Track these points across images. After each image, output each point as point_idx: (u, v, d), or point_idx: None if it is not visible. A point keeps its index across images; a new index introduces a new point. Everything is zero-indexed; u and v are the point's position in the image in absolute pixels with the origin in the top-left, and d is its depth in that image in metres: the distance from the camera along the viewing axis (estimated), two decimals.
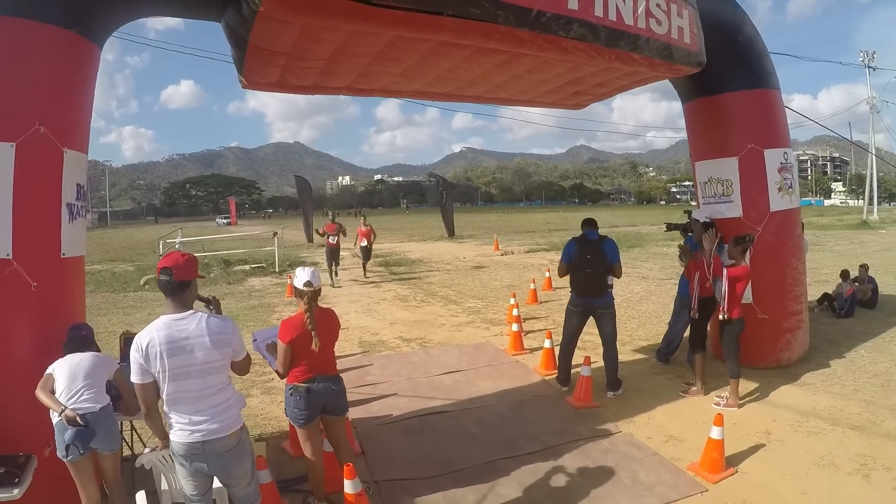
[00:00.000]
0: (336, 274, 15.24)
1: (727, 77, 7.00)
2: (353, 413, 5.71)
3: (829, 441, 5.22)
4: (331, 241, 15.18)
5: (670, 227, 8.00)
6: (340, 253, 15.82)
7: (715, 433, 4.58)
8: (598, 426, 5.63)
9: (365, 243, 16.28)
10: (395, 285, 14.83)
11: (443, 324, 10.27)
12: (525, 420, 5.81)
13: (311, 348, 3.87)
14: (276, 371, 4.08)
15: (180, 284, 3.02)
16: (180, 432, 3.03)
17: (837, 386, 6.61)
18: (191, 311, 3.06)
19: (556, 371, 6.86)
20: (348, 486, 3.65)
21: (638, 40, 5.11)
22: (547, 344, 7.41)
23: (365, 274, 16.55)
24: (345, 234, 15.67)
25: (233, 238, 25.31)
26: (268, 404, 6.36)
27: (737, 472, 4.69)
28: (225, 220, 69.45)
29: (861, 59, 44.01)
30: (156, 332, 2.95)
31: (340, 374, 4.22)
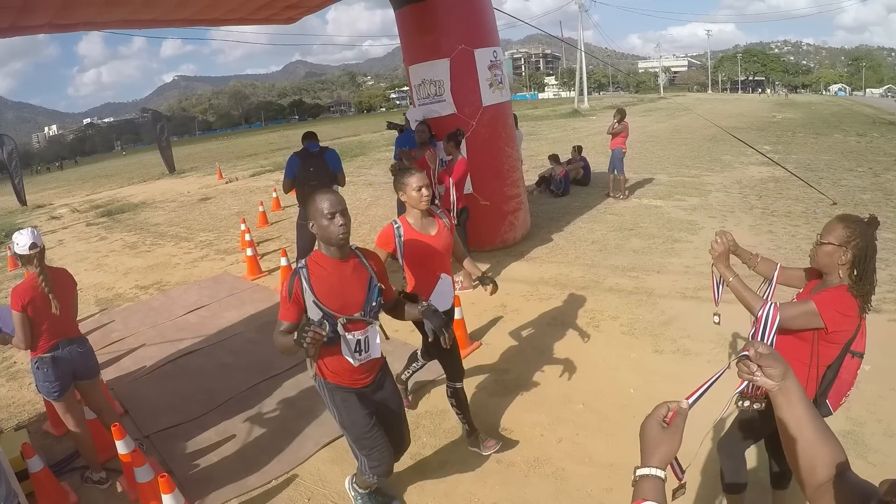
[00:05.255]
0: None
1: None
2: (107, 374, 5.42)
3: (560, 303, 5.96)
4: None
5: (390, 125, 8.31)
6: None
7: (455, 314, 4.91)
8: None
9: None
10: (122, 234, 13.10)
11: (177, 263, 9.72)
12: None
13: (49, 312, 3.60)
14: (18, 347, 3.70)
15: None
16: None
17: (561, 256, 7.52)
18: None
19: None
20: (120, 447, 3.51)
21: None
22: (283, 262, 7.43)
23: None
24: None
25: None
26: (17, 390, 5.62)
27: (482, 344, 5.21)
28: None
29: None
30: None
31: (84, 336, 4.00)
